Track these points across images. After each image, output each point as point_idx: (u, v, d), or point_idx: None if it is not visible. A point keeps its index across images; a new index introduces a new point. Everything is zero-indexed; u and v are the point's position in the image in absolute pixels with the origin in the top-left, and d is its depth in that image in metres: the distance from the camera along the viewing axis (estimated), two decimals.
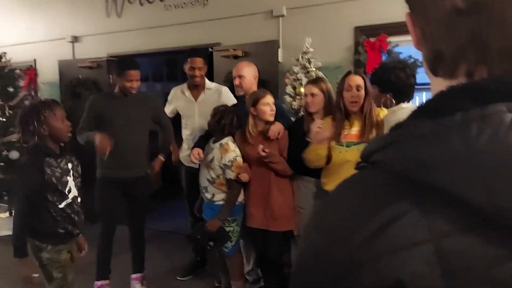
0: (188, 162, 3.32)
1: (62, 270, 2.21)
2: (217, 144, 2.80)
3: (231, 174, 2.73)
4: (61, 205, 2.21)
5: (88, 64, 4.95)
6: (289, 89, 3.35)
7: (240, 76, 3.07)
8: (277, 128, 2.72)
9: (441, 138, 0.41)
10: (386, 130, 2.18)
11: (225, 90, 3.40)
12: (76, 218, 2.30)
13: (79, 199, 2.34)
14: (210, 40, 4.25)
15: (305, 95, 2.70)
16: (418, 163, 0.42)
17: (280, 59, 3.83)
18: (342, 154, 2.44)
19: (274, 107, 2.72)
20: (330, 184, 2.49)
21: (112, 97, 3.11)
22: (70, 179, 2.27)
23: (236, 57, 4.00)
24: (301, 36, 3.56)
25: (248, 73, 3.10)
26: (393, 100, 2.37)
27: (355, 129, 2.46)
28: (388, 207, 0.42)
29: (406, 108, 2.26)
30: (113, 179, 3.06)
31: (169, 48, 4.63)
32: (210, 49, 4.17)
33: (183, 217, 3.95)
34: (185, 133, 3.43)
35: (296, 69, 3.34)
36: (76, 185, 2.32)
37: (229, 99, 3.30)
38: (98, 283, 3.10)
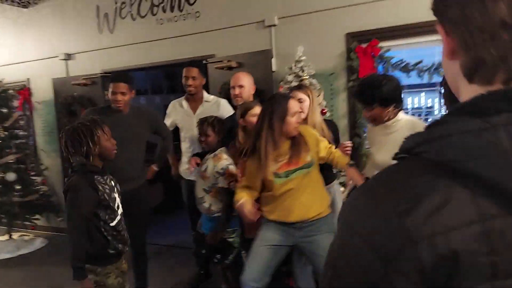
0: (188, 176, 3.34)
1: None
2: (211, 155, 2.84)
3: (223, 182, 2.73)
4: (113, 223, 2.17)
5: (82, 81, 4.95)
6: None
7: (240, 86, 3.09)
8: None
9: (490, 134, 0.47)
10: (393, 145, 2.13)
11: (224, 102, 3.43)
12: (125, 235, 2.27)
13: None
14: (204, 52, 4.27)
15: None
16: (467, 154, 0.48)
17: (274, 68, 3.86)
18: (283, 186, 2.37)
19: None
20: (275, 213, 2.44)
21: (108, 111, 3.08)
22: (116, 195, 2.24)
23: (230, 68, 4.02)
24: (293, 45, 3.60)
25: (248, 83, 3.13)
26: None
27: (283, 157, 2.36)
28: (438, 191, 0.48)
29: (404, 120, 2.24)
30: None
31: (163, 62, 4.65)
32: (204, 61, 4.20)
33: (185, 231, 3.94)
34: (184, 146, 3.45)
35: (290, 77, 3.37)
36: (120, 202, 2.29)
37: (228, 112, 3.32)
38: None
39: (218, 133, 2.85)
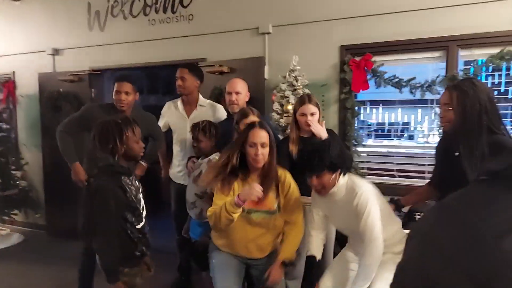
0: (178, 179, 3.27)
1: None
2: (205, 159, 2.80)
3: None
4: (139, 225, 2.14)
5: (69, 77, 4.85)
6: (276, 106, 3.34)
7: (237, 93, 3.04)
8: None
9: None
10: (347, 212, 2.10)
11: (220, 107, 3.39)
12: (149, 238, 2.25)
13: None
14: (195, 55, 4.22)
15: (302, 114, 2.69)
16: None
17: (266, 76, 3.83)
18: (240, 220, 2.22)
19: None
20: (222, 240, 2.37)
21: (110, 109, 2.96)
22: (141, 196, 2.20)
23: (221, 73, 3.98)
24: (287, 53, 3.59)
25: (244, 90, 3.10)
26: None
27: None
28: None
29: (341, 184, 2.16)
30: None
31: (153, 63, 4.58)
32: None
33: (167, 235, 3.85)
34: (176, 149, 3.38)
35: (283, 86, 3.34)
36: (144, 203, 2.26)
37: (223, 117, 3.28)
38: None
39: (210, 138, 2.81)
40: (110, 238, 2.01)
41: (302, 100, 2.75)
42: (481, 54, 3.22)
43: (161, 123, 3.46)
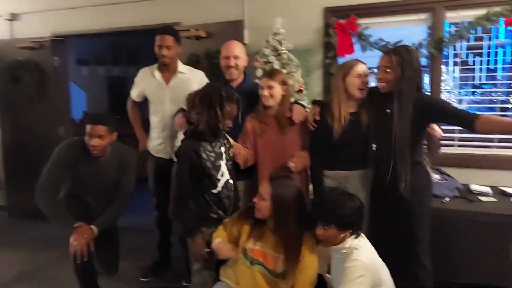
0: (158, 153, 3.05)
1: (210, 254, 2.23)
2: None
3: None
4: (215, 190, 2.24)
5: (29, 45, 4.52)
6: (259, 73, 3.16)
7: (235, 57, 2.76)
8: (299, 111, 2.55)
9: None
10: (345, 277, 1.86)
11: (201, 74, 3.15)
12: (227, 202, 2.31)
13: (231, 181, 2.34)
14: (168, 19, 3.94)
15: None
16: None
17: (246, 40, 3.63)
18: (245, 267, 2.09)
19: (273, 91, 2.50)
20: (227, 275, 2.21)
21: (84, 151, 2.60)
22: (222, 163, 2.27)
23: (198, 38, 3.75)
24: (267, 17, 3.40)
25: (243, 53, 2.83)
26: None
27: (264, 245, 2.07)
28: None
29: (361, 256, 1.91)
30: None
31: (122, 28, 4.28)
32: None
33: (144, 211, 3.68)
34: (154, 120, 3.13)
35: (267, 51, 3.16)
36: (227, 169, 2.32)
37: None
38: None
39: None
40: (183, 197, 2.19)
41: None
42: (467, 15, 3.16)
43: (135, 92, 3.20)
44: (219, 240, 2.17)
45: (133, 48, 7.50)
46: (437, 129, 2.58)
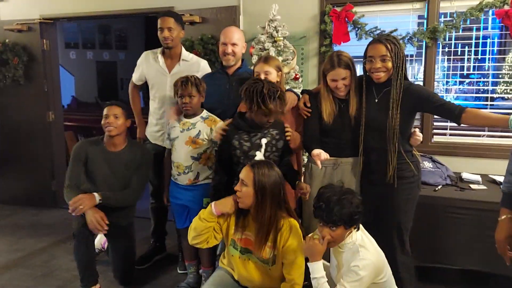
0: (156, 140, 3.02)
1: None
2: (198, 118, 2.64)
3: None
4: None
5: (16, 27, 4.42)
6: (255, 59, 3.15)
7: (233, 44, 2.75)
8: (291, 98, 2.55)
9: None
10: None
11: (205, 64, 3.12)
12: None
13: None
14: (161, 3, 3.88)
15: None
16: None
17: (241, 26, 3.60)
18: (235, 257, 2.15)
19: (269, 77, 2.46)
20: (224, 263, 2.28)
21: (99, 145, 2.79)
22: (259, 154, 2.23)
23: (192, 23, 3.72)
24: (263, 3, 3.40)
25: (241, 41, 2.81)
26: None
27: (249, 234, 2.10)
28: None
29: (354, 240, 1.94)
30: None
31: (113, 11, 4.20)
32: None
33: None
34: (153, 105, 3.09)
35: (262, 38, 3.15)
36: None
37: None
38: None
39: (202, 94, 2.61)
40: (219, 170, 2.43)
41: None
42: (461, 5, 3.19)
43: (136, 74, 3.16)
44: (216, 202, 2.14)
45: (123, 32, 7.38)
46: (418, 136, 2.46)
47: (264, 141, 2.26)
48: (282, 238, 2.03)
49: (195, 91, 2.56)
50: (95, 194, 2.62)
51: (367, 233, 2.00)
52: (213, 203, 2.10)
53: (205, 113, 2.67)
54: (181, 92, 2.56)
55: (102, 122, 2.73)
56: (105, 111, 2.74)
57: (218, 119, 2.65)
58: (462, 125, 2.23)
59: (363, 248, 1.87)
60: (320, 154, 2.20)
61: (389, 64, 2.23)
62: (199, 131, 2.60)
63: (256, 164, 2.04)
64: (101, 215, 2.56)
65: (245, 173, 2.01)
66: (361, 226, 1.98)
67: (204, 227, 2.07)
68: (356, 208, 1.85)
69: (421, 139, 2.43)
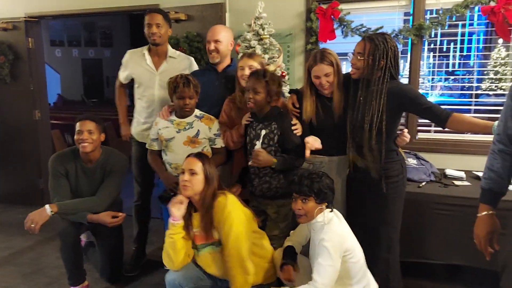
0: (143, 138, 2.99)
1: None
2: (192, 117, 2.65)
3: (221, 142, 2.68)
4: (250, 162, 2.38)
5: (1, 25, 4.41)
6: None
7: (216, 41, 2.77)
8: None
9: None
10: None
11: (193, 60, 3.13)
12: (253, 177, 2.48)
13: None
14: (147, 1, 3.86)
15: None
16: None
17: (227, 24, 3.59)
18: (198, 257, 2.30)
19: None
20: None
21: (74, 159, 2.76)
22: (258, 143, 2.39)
23: (178, 20, 3.70)
24: (249, 0, 3.37)
25: (226, 39, 2.82)
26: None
27: (197, 227, 2.23)
28: None
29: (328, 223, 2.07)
30: None
31: (98, 9, 4.16)
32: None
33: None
34: (140, 104, 3.04)
35: (248, 35, 3.15)
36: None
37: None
38: None
39: (198, 95, 2.62)
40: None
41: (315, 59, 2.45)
42: (446, 2, 3.21)
43: (123, 74, 3.12)
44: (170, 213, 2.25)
45: (108, 30, 7.34)
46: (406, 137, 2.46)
47: (263, 132, 2.39)
48: (221, 218, 2.11)
49: (195, 92, 2.57)
50: (46, 206, 2.53)
51: (343, 220, 2.11)
52: (170, 218, 2.20)
53: (197, 111, 2.67)
54: (182, 93, 2.53)
55: (76, 137, 2.65)
56: (78, 126, 2.64)
57: (212, 117, 2.66)
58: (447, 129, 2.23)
59: (329, 225, 2.01)
60: (313, 143, 2.29)
61: (361, 62, 2.21)
62: (198, 130, 2.61)
63: (199, 153, 2.27)
64: (111, 213, 2.65)
65: (192, 164, 2.15)
66: (338, 213, 2.12)
67: (175, 241, 2.16)
68: (325, 184, 2.03)
69: (408, 140, 2.43)
